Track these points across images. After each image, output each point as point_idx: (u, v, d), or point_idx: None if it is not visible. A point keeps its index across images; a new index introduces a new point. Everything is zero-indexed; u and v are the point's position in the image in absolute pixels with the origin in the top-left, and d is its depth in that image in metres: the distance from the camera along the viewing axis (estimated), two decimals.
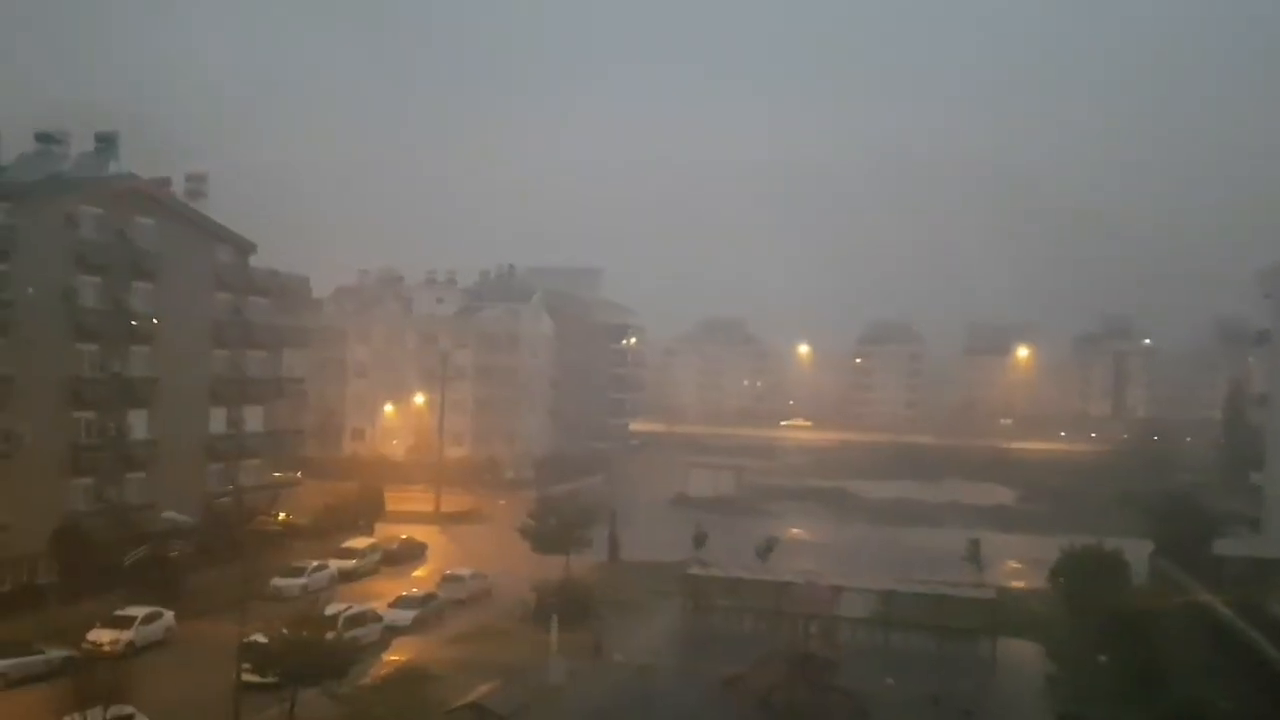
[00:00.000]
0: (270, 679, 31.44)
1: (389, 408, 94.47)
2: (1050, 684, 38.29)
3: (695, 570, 48.01)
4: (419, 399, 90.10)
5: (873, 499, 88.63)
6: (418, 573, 55.82)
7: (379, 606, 44.22)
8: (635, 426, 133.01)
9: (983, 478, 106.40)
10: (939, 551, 62.74)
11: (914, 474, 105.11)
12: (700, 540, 59.66)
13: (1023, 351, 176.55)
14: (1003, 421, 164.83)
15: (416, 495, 75.96)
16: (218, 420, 56.72)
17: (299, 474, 66.22)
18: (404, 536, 60.84)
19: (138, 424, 50.27)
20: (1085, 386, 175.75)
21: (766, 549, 59.02)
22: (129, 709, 28.75)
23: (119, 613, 40.03)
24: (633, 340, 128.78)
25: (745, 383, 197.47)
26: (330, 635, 33.26)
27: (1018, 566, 61.23)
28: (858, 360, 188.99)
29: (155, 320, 50.98)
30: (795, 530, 74.26)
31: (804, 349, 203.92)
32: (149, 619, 40.23)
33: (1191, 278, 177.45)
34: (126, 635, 38.55)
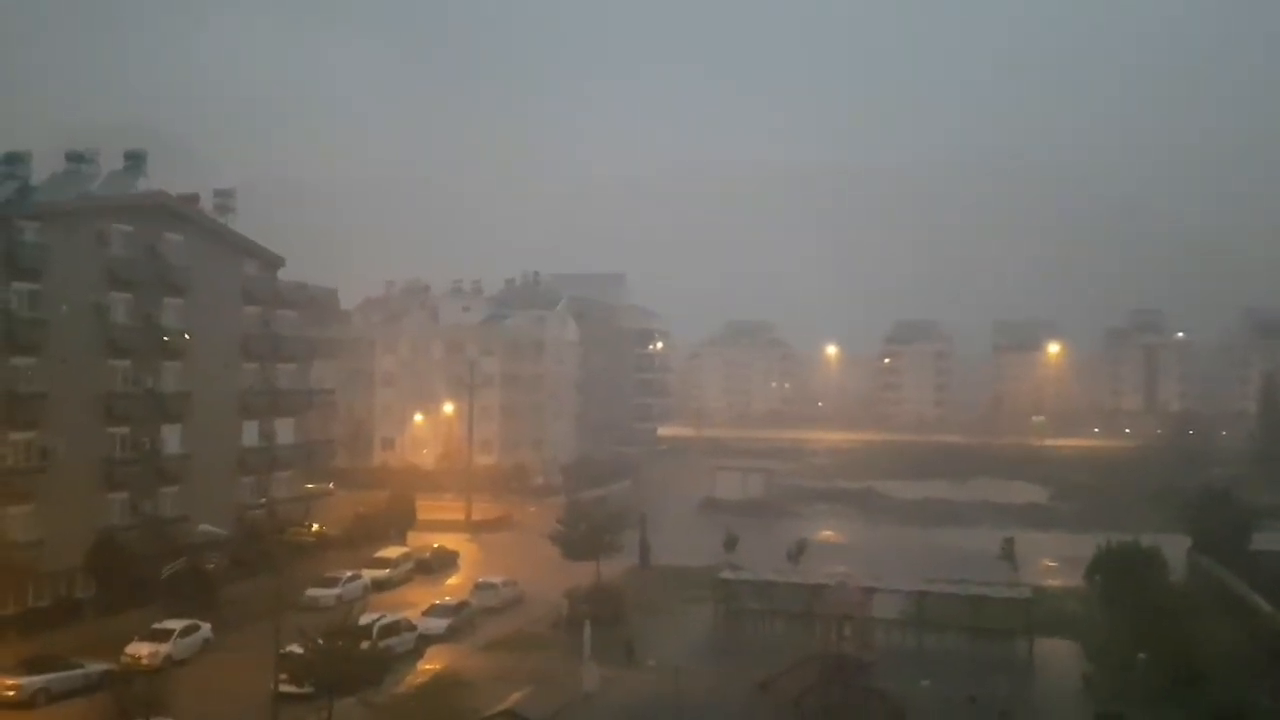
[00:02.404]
0: (307, 689, 31.74)
1: (418, 417, 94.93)
2: (1088, 683, 37.85)
3: (726, 574, 47.88)
4: (447, 407, 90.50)
5: (902, 499, 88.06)
6: (450, 581, 56.03)
7: (412, 615, 44.39)
8: (662, 431, 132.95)
9: (1014, 476, 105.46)
10: (972, 551, 62.31)
11: (943, 473, 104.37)
12: (731, 543, 59.54)
13: (1053, 347, 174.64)
14: (1034, 419, 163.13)
15: (447, 504, 76.14)
16: (250, 433, 57.08)
17: (331, 485, 66.50)
18: (436, 545, 61.03)
19: (171, 438, 50.72)
20: (1117, 382, 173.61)
21: (797, 551, 58.78)
22: None
23: (157, 626, 40.49)
24: (659, 344, 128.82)
25: (773, 385, 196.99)
26: (365, 645, 33.37)
27: (1053, 565, 60.64)
28: (885, 360, 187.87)
29: (186, 335, 51.47)
30: (826, 532, 73.94)
31: (831, 350, 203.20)
32: (186, 631, 40.67)
33: (1224, 270, 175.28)
34: (165, 648, 38.95)
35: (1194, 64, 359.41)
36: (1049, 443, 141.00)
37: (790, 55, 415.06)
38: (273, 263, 59.87)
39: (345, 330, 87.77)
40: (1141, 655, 39.72)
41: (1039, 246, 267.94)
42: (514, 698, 34.17)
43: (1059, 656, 41.76)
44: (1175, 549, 52.81)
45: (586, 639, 38.38)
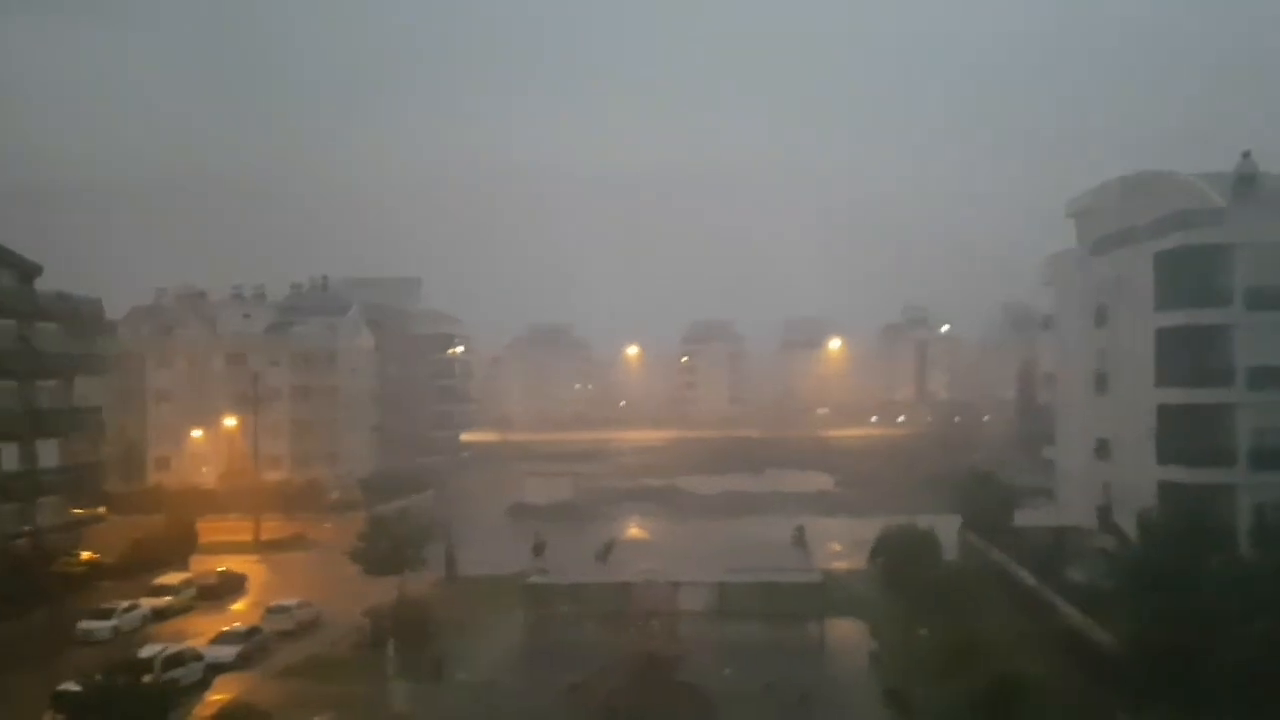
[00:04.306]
0: None
1: (197, 433, 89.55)
2: (875, 661, 40.16)
3: (535, 579, 47.73)
4: (230, 422, 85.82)
5: (704, 494, 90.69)
6: (238, 606, 53.16)
7: (199, 644, 41.89)
8: (466, 438, 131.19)
9: (804, 466, 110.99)
10: (768, 540, 65.07)
11: (741, 467, 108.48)
12: (539, 549, 59.51)
13: (834, 343, 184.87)
14: (819, 411, 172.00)
15: (233, 524, 72.34)
16: (9, 456, 52.44)
17: (103, 509, 62.00)
18: (222, 569, 57.78)
19: None
20: (891, 374, 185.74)
21: (605, 552, 59.50)
22: None
23: None
24: (458, 349, 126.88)
25: (576, 387, 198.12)
26: (147, 678, 31.45)
27: (840, 549, 64.00)
28: (683, 359, 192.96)
29: None
30: (633, 531, 75.12)
31: (632, 350, 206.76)
32: None
33: (984, 269, 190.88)
34: None
35: (958, 72, 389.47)
36: (834, 433, 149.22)
37: (590, 54, 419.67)
38: (29, 272, 55.08)
39: (112, 343, 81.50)
40: (922, 631, 42.63)
41: (820, 249, 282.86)
42: None
43: (849, 637, 44.08)
44: (948, 528, 56.92)
45: (391, 658, 37.33)
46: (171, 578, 53.93)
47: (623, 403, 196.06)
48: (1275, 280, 42.66)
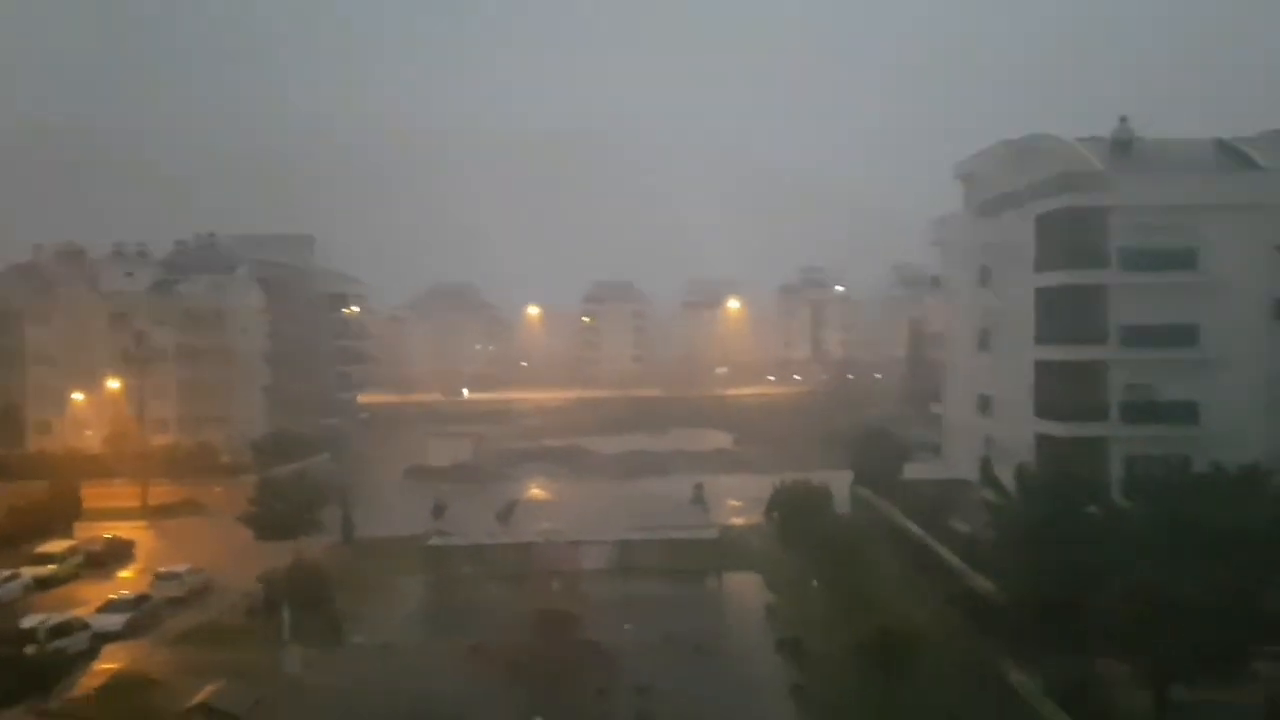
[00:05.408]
0: None
1: (79, 396, 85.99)
2: (770, 613, 41.38)
3: (435, 541, 47.55)
4: (114, 385, 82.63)
5: (606, 453, 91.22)
6: (126, 573, 51.69)
7: (85, 613, 40.74)
8: (365, 399, 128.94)
9: (704, 424, 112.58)
10: (669, 498, 66.00)
11: (643, 426, 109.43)
12: (439, 511, 59.17)
13: (733, 303, 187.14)
14: (719, 370, 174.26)
15: (119, 490, 70.02)
16: None
17: None
18: (108, 536, 56.02)
19: None
20: (788, 333, 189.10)
21: (507, 513, 59.47)
22: None
23: None
24: (354, 309, 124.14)
25: (478, 347, 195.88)
26: (30, 649, 30.50)
27: (738, 505, 65.35)
28: (585, 320, 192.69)
29: None
30: (535, 491, 75.24)
31: (534, 311, 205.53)
32: None
33: (876, 229, 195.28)
34: None
35: (862, 34, 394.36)
36: (732, 392, 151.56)
37: (490, 12, 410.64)
38: None
39: None
40: (814, 583, 44.08)
41: (720, 211, 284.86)
42: (208, 691, 32.19)
43: (746, 589, 45.26)
44: (841, 483, 58.63)
45: (286, 622, 36.86)
46: (55, 545, 52.17)
47: (525, 363, 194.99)
48: (1149, 242, 44.70)
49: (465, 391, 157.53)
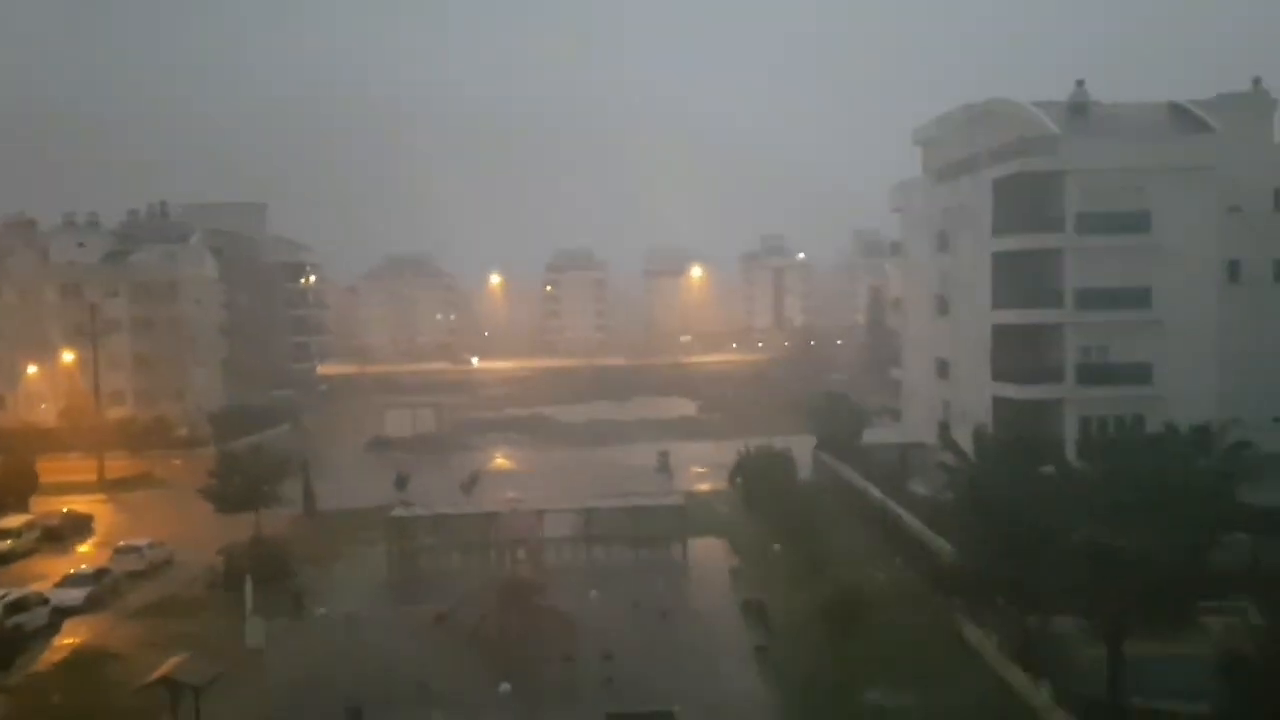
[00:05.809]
0: None
1: (32, 369, 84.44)
2: (735, 576, 41.78)
3: (398, 512, 47.38)
4: (68, 357, 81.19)
5: (570, 422, 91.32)
6: (84, 548, 51.09)
7: (44, 588, 40.20)
8: (324, 370, 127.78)
9: (668, 392, 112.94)
10: (633, 466, 66.35)
11: (606, 395, 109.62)
12: (402, 482, 58.97)
13: (695, 271, 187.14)
14: (682, 338, 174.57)
15: (75, 463, 69.09)
16: None
17: None
18: (65, 510, 55.27)
19: None
20: (750, 301, 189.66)
21: (470, 482, 59.34)
22: None
23: None
24: (311, 279, 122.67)
25: (438, 317, 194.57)
26: None
27: (702, 471, 65.77)
28: (547, 288, 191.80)
29: None
30: (499, 461, 75.17)
31: (495, 280, 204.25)
32: None
33: (837, 197, 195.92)
34: None
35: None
36: (696, 359, 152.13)
37: None
38: None
39: None
40: (777, 546, 44.55)
41: (682, 179, 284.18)
42: (170, 664, 31.92)
43: (710, 555, 45.62)
44: (803, 448, 59.18)
45: (248, 594, 36.62)
46: (10, 520, 51.40)
47: (486, 333, 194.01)
48: (1103, 205, 45.25)
49: (475, 360, 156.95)
